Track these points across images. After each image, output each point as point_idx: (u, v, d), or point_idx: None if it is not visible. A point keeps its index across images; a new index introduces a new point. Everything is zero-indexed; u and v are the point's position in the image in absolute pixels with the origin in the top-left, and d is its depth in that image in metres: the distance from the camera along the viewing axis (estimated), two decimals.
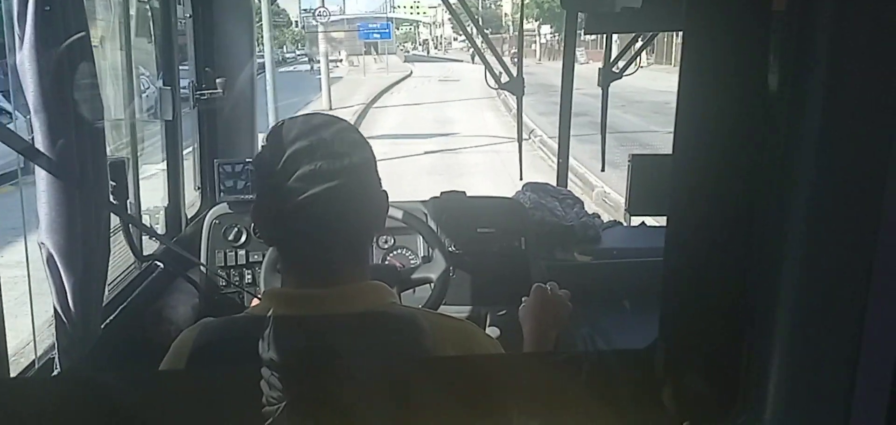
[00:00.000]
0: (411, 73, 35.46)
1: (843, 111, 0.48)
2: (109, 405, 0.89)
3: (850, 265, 0.50)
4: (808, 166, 0.48)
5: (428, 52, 78.00)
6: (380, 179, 1.11)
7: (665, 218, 0.63)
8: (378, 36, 33.67)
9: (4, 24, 1.21)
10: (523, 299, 1.67)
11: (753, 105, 0.51)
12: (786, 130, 0.49)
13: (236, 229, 2.04)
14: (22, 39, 1.13)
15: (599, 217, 2.62)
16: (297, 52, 56.26)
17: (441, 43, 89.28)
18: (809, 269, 0.50)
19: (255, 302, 1.73)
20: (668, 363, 0.59)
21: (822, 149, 0.48)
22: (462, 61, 48.37)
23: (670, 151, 0.58)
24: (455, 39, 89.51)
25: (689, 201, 0.55)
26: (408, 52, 76.44)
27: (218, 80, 2.24)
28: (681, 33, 0.58)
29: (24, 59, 1.13)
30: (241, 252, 2.05)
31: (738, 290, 0.55)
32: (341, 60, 44.70)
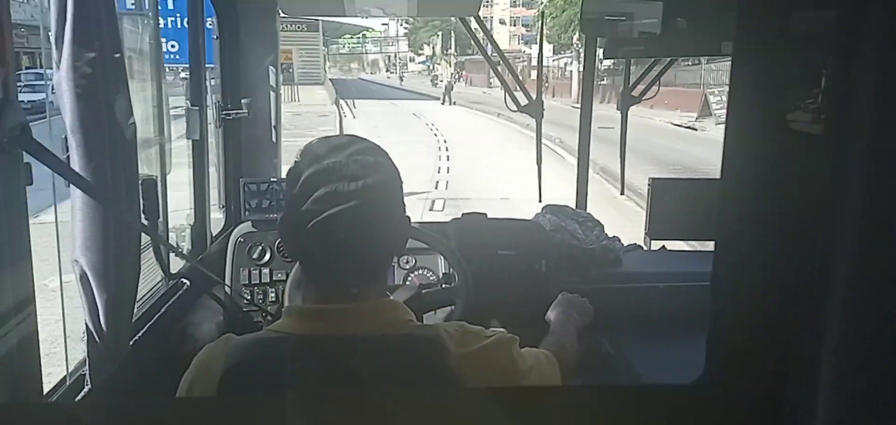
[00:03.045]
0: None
1: (893, 142, 0.48)
2: None
3: None
4: (858, 197, 0.48)
5: (401, 79, 56.06)
6: (404, 204, 1.13)
7: (685, 242, 0.63)
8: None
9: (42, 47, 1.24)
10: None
11: (801, 135, 0.51)
12: (834, 161, 0.49)
13: (260, 248, 2.06)
14: (60, 61, 1.17)
15: (619, 240, 2.62)
16: None
17: (396, 64, 67.28)
18: (859, 305, 0.49)
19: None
20: (714, 399, 0.59)
21: (871, 181, 0.48)
22: (433, 97, 32.28)
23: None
24: (412, 60, 71.33)
25: (737, 232, 0.56)
26: (348, 77, 57.74)
27: (243, 101, 2.27)
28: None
29: (62, 79, 1.16)
30: (265, 270, 2.07)
31: (786, 326, 0.54)
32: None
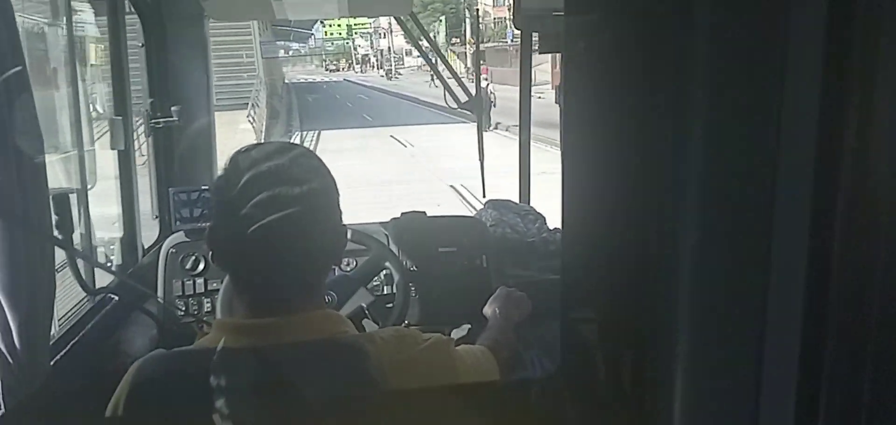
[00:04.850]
0: None
1: (729, 116, 0.49)
2: None
3: (746, 280, 0.50)
4: (698, 172, 0.49)
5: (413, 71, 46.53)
6: (341, 213, 1.11)
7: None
8: None
9: None
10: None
11: (641, 118, 0.52)
12: (673, 138, 0.50)
13: (194, 258, 2.02)
14: None
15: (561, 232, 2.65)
16: None
17: (390, 60, 55.94)
18: (706, 288, 0.51)
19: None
20: (571, 390, 0.60)
21: (710, 153, 0.49)
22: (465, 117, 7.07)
23: None
24: (408, 53, 57.35)
25: (580, 222, 0.56)
26: (330, 79, 48.64)
27: (173, 109, 2.22)
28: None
29: None
30: (200, 281, 2.03)
31: (636, 314, 0.55)
32: None
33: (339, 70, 65.25)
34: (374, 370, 1.03)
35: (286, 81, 40.69)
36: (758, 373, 0.52)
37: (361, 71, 60.88)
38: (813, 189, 0.50)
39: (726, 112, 0.48)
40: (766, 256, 0.50)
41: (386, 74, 52.12)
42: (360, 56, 65.45)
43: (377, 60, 60.57)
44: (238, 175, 1.01)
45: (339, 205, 1.10)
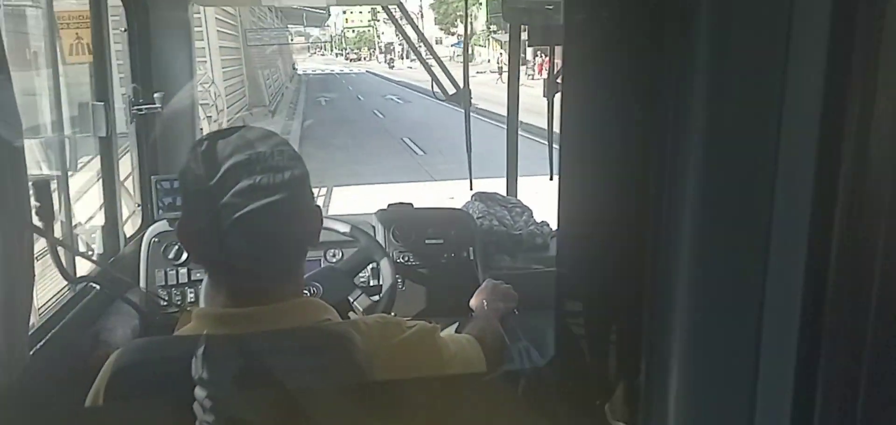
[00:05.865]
0: None
1: (729, 109, 0.48)
2: None
3: (744, 269, 0.50)
4: (697, 166, 0.49)
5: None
6: (313, 194, 1.11)
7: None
8: None
9: None
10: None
11: (639, 111, 0.51)
12: (673, 133, 0.49)
13: (177, 247, 1.99)
14: None
15: (548, 225, 2.65)
16: None
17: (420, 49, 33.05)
18: (703, 278, 0.50)
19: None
20: (566, 378, 0.60)
21: (709, 148, 0.49)
22: None
23: None
24: (439, 42, 50.27)
25: (576, 215, 0.56)
26: (350, 70, 43.57)
27: (156, 95, 2.18)
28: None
29: None
30: (183, 270, 2.00)
31: (632, 303, 0.55)
32: None
33: (360, 60, 58.79)
34: (359, 357, 1.02)
35: (299, 72, 35.80)
36: (754, 372, 0.52)
37: (386, 62, 52.20)
38: (813, 189, 0.49)
39: (727, 108, 0.48)
40: (764, 257, 0.50)
41: (388, 63, 45.73)
42: (383, 45, 56.80)
43: (402, 48, 50.43)
44: (213, 163, 0.99)
45: (310, 188, 1.10)
